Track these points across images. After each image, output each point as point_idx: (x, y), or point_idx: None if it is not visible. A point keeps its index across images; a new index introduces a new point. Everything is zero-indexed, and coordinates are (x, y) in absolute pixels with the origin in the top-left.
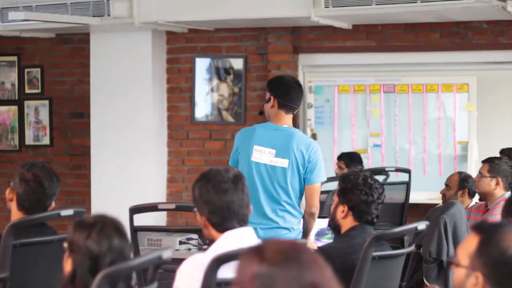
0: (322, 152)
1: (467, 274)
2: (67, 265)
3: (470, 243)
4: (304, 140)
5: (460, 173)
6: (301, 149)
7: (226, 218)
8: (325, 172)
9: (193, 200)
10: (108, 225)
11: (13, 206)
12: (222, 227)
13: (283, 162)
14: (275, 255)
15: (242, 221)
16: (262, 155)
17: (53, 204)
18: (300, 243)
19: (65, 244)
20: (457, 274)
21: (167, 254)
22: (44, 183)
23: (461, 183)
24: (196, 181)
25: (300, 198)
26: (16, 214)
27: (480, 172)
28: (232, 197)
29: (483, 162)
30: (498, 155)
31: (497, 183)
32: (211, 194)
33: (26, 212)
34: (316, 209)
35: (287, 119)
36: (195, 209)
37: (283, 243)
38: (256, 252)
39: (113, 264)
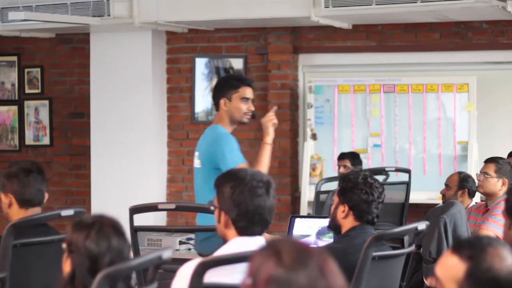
0: (322, 152)
1: None
2: (66, 266)
3: (454, 269)
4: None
5: (460, 173)
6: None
7: (255, 223)
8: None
9: (219, 197)
10: (106, 225)
11: (13, 209)
12: (246, 231)
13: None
14: (292, 258)
15: (266, 227)
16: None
17: (47, 195)
18: (315, 247)
19: (64, 245)
20: None
21: (167, 254)
22: (32, 169)
23: (461, 183)
24: (226, 179)
25: None
26: (18, 213)
27: (485, 172)
28: (264, 203)
29: (486, 162)
30: (499, 155)
31: (503, 184)
32: (245, 197)
33: (29, 204)
34: None
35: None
36: (213, 207)
37: (300, 245)
38: (273, 252)
39: (112, 264)
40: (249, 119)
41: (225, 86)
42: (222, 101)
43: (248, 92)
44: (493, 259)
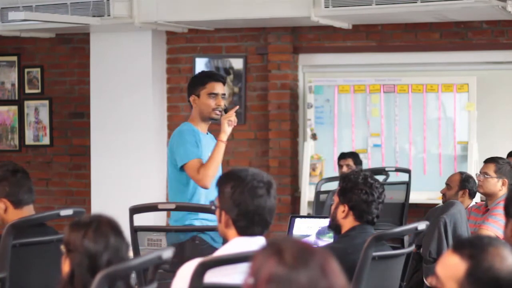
0: (322, 152)
1: None
2: (65, 266)
3: (455, 267)
4: None
5: (461, 173)
6: None
7: (254, 223)
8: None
9: (220, 196)
10: (104, 223)
11: (9, 213)
12: (246, 231)
13: None
14: (294, 258)
15: (266, 227)
16: None
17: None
18: (318, 247)
19: (62, 247)
20: None
21: (167, 254)
22: (18, 169)
23: (462, 183)
24: (227, 179)
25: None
26: (13, 213)
27: (484, 172)
28: (265, 203)
29: (486, 162)
30: (499, 155)
31: (503, 184)
32: (245, 197)
33: (23, 203)
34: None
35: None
36: (214, 206)
37: (302, 245)
38: (274, 251)
39: (111, 262)
40: (219, 114)
41: (194, 83)
42: (191, 99)
43: (216, 87)
44: (493, 259)
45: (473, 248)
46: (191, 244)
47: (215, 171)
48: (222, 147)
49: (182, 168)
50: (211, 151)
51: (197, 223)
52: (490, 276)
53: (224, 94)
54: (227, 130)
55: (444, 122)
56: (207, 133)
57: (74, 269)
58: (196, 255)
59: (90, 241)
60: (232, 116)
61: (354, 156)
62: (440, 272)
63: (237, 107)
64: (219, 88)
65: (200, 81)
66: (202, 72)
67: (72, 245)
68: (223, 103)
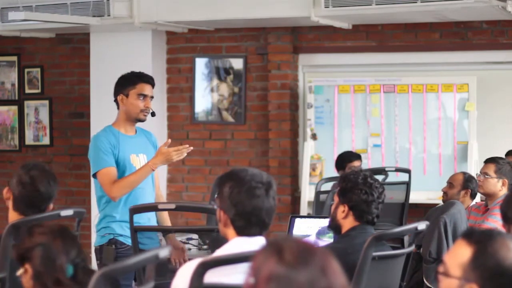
0: (322, 152)
1: (460, 286)
2: (27, 282)
3: (461, 253)
4: None
5: (464, 173)
6: None
7: (252, 223)
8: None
9: (219, 196)
10: (37, 225)
11: (10, 205)
12: (244, 232)
13: None
14: (294, 257)
15: (265, 228)
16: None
17: (51, 206)
18: (318, 246)
19: (19, 272)
20: (446, 284)
21: (164, 253)
22: (39, 187)
23: (465, 183)
24: (227, 179)
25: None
26: (12, 214)
27: (485, 172)
28: (262, 204)
29: (486, 162)
30: (499, 155)
31: (503, 184)
32: (242, 197)
33: (21, 213)
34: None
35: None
36: (215, 205)
37: (303, 244)
38: (275, 250)
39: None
40: (146, 116)
41: (123, 82)
42: (119, 98)
43: (146, 89)
44: (500, 247)
45: (482, 235)
46: (106, 247)
47: (129, 189)
48: (148, 171)
49: (95, 176)
50: (143, 150)
51: (114, 225)
52: (494, 263)
53: (152, 97)
54: (166, 163)
55: (444, 122)
56: (135, 133)
57: (39, 270)
58: (110, 259)
59: (39, 235)
60: (183, 154)
61: (360, 158)
62: (447, 258)
63: (191, 148)
64: (148, 89)
65: (130, 81)
66: (132, 73)
67: (25, 251)
68: (151, 105)
